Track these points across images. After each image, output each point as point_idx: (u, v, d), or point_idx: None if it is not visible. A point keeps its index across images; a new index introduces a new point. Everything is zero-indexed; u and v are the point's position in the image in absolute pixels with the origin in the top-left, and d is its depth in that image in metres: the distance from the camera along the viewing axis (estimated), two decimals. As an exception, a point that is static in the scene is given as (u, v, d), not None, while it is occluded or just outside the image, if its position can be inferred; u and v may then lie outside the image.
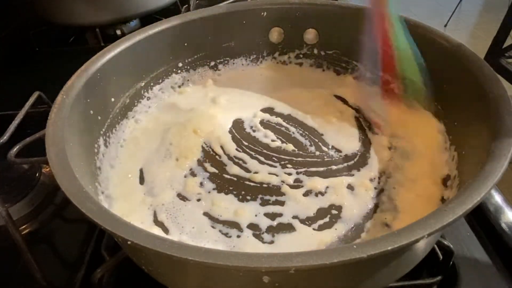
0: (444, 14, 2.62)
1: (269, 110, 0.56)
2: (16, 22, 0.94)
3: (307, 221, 0.41)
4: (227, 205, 0.43)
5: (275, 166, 0.48)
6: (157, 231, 0.41)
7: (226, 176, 0.47)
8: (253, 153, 0.50)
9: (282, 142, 0.51)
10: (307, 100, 0.57)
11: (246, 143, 0.51)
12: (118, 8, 0.81)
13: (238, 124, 0.54)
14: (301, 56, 0.62)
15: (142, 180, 0.47)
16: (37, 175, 0.49)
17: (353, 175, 0.46)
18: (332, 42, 0.60)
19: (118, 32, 0.86)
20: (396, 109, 0.53)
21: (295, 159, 0.49)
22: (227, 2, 0.80)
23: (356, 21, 0.51)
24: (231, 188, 0.45)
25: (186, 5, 0.91)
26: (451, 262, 0.40)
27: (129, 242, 0.26)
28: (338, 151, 0.49)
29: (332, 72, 0.61)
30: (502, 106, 0.36)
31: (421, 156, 0.47)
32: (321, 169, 0.47)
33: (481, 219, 0.46)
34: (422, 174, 0.45)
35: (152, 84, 0.56)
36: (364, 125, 0.53)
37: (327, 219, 0.41)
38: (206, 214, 0.42)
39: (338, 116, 0.54)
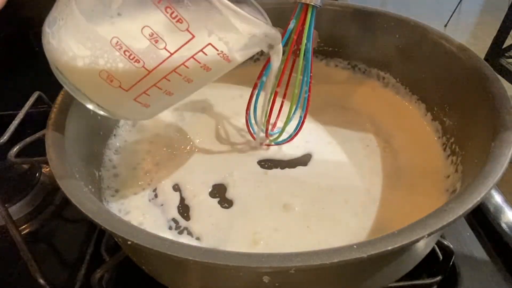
0: (444, 14, 2.62)
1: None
2: (16, 22, 0.94)
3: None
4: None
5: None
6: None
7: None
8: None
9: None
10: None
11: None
12: (118, 8, 0.80)
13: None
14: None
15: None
16: (37, 175, 0.49)
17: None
18: (332, 42, 0.59)
19: (118, 32, 0.86)
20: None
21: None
22: (227, 2, 0.79)
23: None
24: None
25: (186, 5, 0.91)
26: (451, 262, 0.40)
27: (129, 242, 0.26)
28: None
29: (333, 71, 0.61)
30: (502, 106, 0.36)
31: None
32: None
33: (481, 219, 0.46)
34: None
35: (152, 84, 0.55)
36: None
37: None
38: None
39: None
